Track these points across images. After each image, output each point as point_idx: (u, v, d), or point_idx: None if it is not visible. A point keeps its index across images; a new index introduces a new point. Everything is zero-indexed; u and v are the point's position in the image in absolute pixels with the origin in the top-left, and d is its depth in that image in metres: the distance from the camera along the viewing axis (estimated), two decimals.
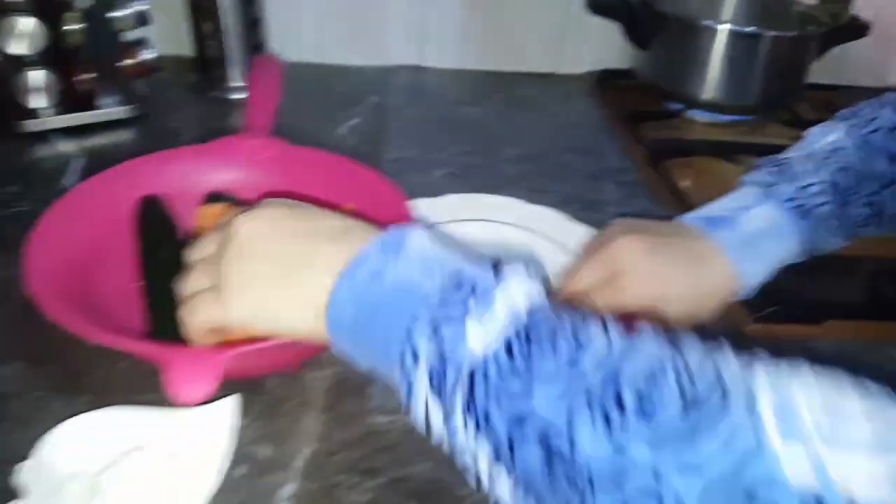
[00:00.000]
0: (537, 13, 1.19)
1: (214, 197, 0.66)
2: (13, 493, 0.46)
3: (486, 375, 0.35)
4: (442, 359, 0.36)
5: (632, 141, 0.99)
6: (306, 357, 0.60)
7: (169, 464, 0.47)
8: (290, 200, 0.47)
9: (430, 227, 0.42)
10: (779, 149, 0.97)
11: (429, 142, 0.98)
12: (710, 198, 0.84)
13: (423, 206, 0.76)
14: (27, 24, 0.84)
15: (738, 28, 1.00)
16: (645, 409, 0.31)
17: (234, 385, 0.51)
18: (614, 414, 0.32)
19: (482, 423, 0.35)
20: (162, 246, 0.62)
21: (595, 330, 0.36)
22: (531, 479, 0.34)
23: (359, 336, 0.40)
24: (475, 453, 0.36)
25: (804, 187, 0.59)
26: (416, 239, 0.41)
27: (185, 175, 0.69)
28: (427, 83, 1.20)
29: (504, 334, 0.35)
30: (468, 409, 0.35)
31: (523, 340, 0.35)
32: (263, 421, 0.55)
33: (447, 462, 0.52)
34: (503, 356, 0.35)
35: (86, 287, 0.57)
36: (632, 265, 0.56)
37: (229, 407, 0.50)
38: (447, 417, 0.37)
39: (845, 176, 0.59)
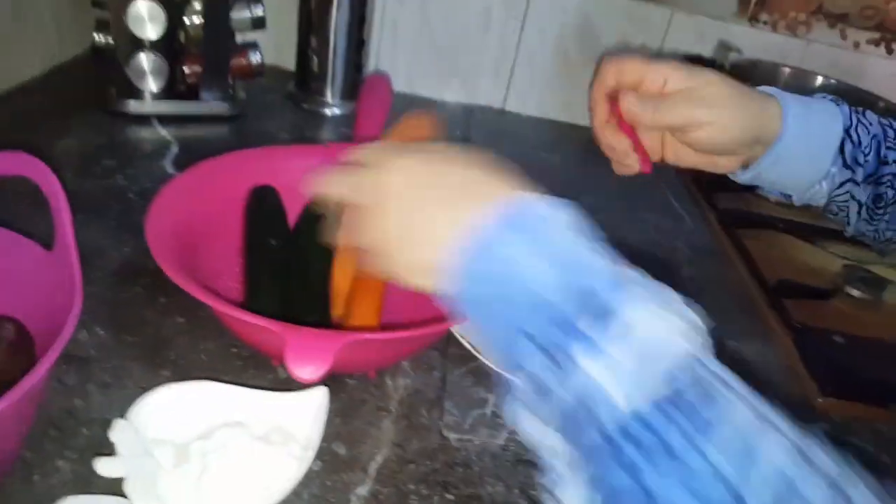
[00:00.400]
0: None
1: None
2: (96, 446, 0.47)
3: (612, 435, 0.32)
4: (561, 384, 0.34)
5: (706, 207, 1.00)
6: (393, 361, 0.61)
7: (258, 445, 0.47)
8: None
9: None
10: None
11: None
12: (779, 271, 0.85)
13: None
14: (152, 9, 0.88)
15: None
16: None
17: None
18: None
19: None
20: (269, 234, 0.63)
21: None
22: None
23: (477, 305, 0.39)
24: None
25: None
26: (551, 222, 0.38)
27: (296, 171, 0.70)
28: (508, 126, 1.22)
29: (648, 394, 0.32)
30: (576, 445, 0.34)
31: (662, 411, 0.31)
32: (341, 420, 0.56)
33: (519, 488, 0.53)
34: (635, 424, 0.31)
35: (196, 263, 0.58)
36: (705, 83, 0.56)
37: (320, 397, 0.50)
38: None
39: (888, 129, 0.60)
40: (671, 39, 1.18)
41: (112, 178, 0.81)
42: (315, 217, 0.67)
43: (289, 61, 1.13)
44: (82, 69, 1.03)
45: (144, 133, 0.92)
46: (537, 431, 0.36)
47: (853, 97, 0.67)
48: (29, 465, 0.47)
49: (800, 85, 1.10)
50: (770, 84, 0.60)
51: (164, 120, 0.95)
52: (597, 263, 0.37)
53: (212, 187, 0.64)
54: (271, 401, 0.50)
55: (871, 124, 0.60)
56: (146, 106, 0.94)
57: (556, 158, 1.12)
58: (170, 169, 0.85)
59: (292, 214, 0.67)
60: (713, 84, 0.56)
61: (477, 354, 0.62)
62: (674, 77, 0.56)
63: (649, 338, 0.33)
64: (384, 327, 0.61)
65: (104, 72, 0.94)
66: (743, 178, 0.62)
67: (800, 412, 0.64)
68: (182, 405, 0.49)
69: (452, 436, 0.56)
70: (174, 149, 0.90)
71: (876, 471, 0.59)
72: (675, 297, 0.36)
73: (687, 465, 0.30)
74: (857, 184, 0.60)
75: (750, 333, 0.76)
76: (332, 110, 1.09)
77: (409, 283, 0.42)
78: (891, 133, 0.60)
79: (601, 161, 1.16)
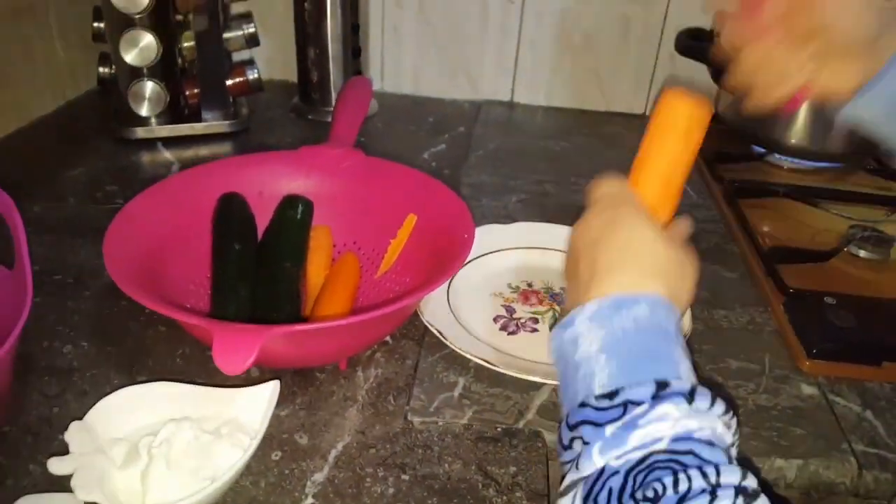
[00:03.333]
0: (626, 55, 1.20)
1: None
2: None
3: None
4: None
5: (711, 179, 0.97)
6: (349, 354, 0.62)
7: (204, 437, 0.48)
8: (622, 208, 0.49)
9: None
10: (863, 196, 0.93)
11: (508, 170, 1.00)
12: (786, 238, 0.82)
13: (493, 232, 0.78)
14: (145, 38, 0.92)
15: None
16: None
17: (283, 375, 0.53)
18: None
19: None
20: (236, 238, 0.65)
21: None
22: None
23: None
24: None
25: None
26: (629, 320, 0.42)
27: (269, 177, 0.72)
28: (516, 117, 1.22)
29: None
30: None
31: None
32: (306, 412, 0.57)
33: (476, 464, 0.53)
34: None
35: (159, 270, 0.61)
36: None
37: (269, 391, 0.51)
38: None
39: None
40: (673, 13, 1.16)
41: (113, 202, 0.85)
42: (288, 219, 0.69)
43: (292, 74, 1.16)
44: (94, 102, 1.09)
45: (147, 157, 0.97)
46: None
47: None
48: (4, 471, 0.50)
49: None
50: None
51: (169, 142, 0.99)
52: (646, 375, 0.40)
53: (180, 199, 0.66)
54: (224, 396, 0.52)
55: None
56: (150, 131, 0.98)
57: (562, 146, 1.11)
58: None
59: (263, 219, 0.69)
60: None
61: (446, 342, 0.62)
62: None
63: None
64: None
65: (110, 102, 0.99)
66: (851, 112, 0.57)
67: (787, 375, 0.62)
68: (138, 405, 0.51)
69: (416, 419, 0.57)
70: (175, 168, 0.93)
71: (860, 430, 0.57)
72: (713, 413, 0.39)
73: None
74: None
75: (747, 303, 0.73)
76: None
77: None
78: None
79: (608, 147, 1.15)
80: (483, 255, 0.75)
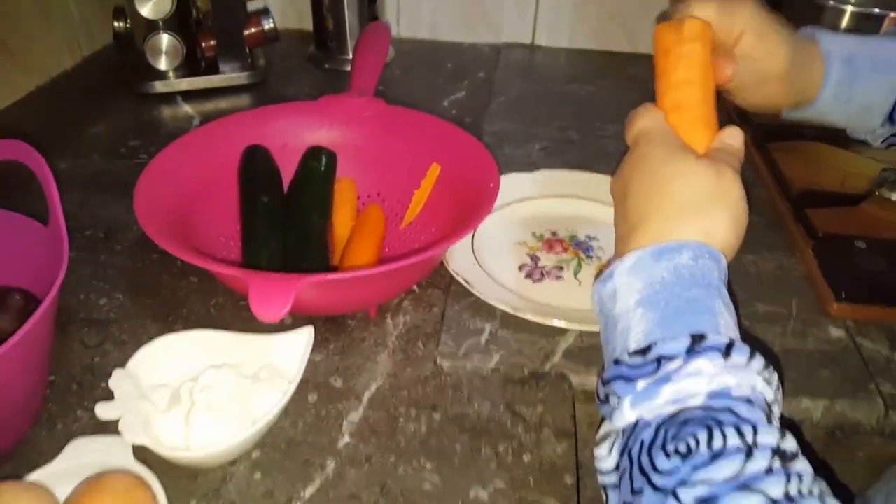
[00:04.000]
0: None
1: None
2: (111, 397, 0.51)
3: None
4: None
5: (740, 122, 0.95)
6: (378, 302, 0.63)
7: (243, 382, 0.50)
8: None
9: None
10: None
11: (531, 116, 0.99)
12: (816, 182, 0.81)
13: (516, 181, 0.78)
14: None
15: (863, 9, 0.94)
16: None
17: (315, 323, 0.55)
18: None
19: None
20: (263, 191, 0.66)
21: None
22: None
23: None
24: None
25: None
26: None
27: (290, 129, 0.73)
28: (537, 61, 1.20)
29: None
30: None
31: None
32: (340, 357, 0.58)
33: (505, 404, 0.54)
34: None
35: (189, 223, 0.62)
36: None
37: (304, 337, 0.53)
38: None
39: None
40: None
41: (137, 156, 0.86)
42: (312, 170, 0.69)
43: (308, 23, 1.15)
44: (111, 58, 1.09)
45: (168, 111, 0.97)
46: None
47: None
48: (53, 417, 0.53)
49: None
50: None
51: (188, 95, 0.99)
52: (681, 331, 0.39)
53: (205, 152, 0.67)
54: (261, 342, 0.53)
55: None
56: (168, 85, 0.98)
57: (586, 90, 1.09)
58: None
59: (287, 171, 0.69)
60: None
61: (472, 290, 0.62)
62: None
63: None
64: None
65: (126, 57, 0.99)
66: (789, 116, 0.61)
67: (815, 319, 0.62)
68: (178, 353, 0.52)
69: (446, 363, 0.58)
70: (196, 122, 0.94)
71: (887, 372, 0.57)
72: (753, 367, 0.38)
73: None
74: None
75: (775, 248, 0.73)
76: None
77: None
78: None
79: (633, 90, 1.14)
80: (507, 205, 0.75)
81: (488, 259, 0.69)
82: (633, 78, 1.13)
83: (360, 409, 0.54)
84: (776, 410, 0.38)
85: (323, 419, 0.53)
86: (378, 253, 0.66)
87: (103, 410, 0.47)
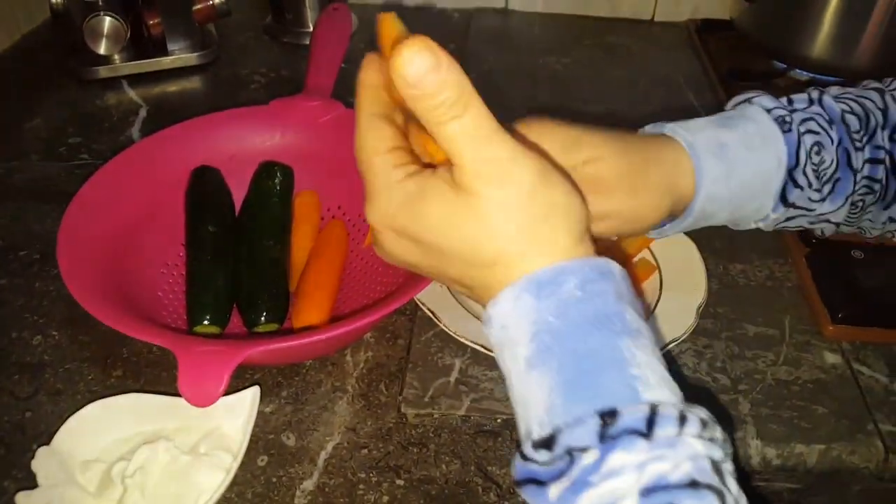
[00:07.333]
0: None
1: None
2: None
3: None
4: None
5: (727, 99, 0.89)
6: (334, 352, 0.57)
7: (181, 459, 0.45)
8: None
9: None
10: None
11: (505, 95, 0.92)
12: None
13: None
14: None
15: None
16: None
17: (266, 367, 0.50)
18: None
19: None
20: (210, 221, 0.60)
21: None
22: None
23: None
24: None
25: (794, 110, 0.50)
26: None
27: (241, 138, 0.66)
28: (512, 28, 1.12)
29: None
30: None
31: None
32: (293, 406, 0.53)
33: (476, 463, 0.50)
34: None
35: (127, 254, 0.56)
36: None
37: (249, 398, 0.48)
38: None
39: (851, 117, 0.49)
40: None
41: (78, 157, 0.78)
42: (267, 191, 0.63)
43: None
44: (51, 36, 1.00)
45: (112, 98, 0.89)
46: None
47: None
48: None
49: None
50: None
51: (134, 79, 0.91)
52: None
53: (144, 172, 0.60)
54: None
55: (830, 133, 0.48)
56: (113, 70, 0.90)
57: (564, 62, 1.02)
58: (136, 137, 0.82)
59: (236, 185, 0.63)
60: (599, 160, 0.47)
61: (439, 323, 0.57)
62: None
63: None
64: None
65: (65, 38, 0.90)
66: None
67: (809, 342, 0.58)
68: (110, 421, 0.47)
69: (410, 412, 0.53)
70: (142, 113, 0.86)
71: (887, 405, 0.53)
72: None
73: None
74: (813, 213, 0.50)
75: (766, 254, 0.68)
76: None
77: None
78: (854, 122, 0.49)
79: (614, 63, 1.06)
80: None
81: None
82: (612, 46, 1.06)
83: (314, 476, 0.49)
84: (728, 468, 0.31)
85: (274, 487, 0.48)
86: (339, 277, 0.61)
87: (26, 501, 0.42)
